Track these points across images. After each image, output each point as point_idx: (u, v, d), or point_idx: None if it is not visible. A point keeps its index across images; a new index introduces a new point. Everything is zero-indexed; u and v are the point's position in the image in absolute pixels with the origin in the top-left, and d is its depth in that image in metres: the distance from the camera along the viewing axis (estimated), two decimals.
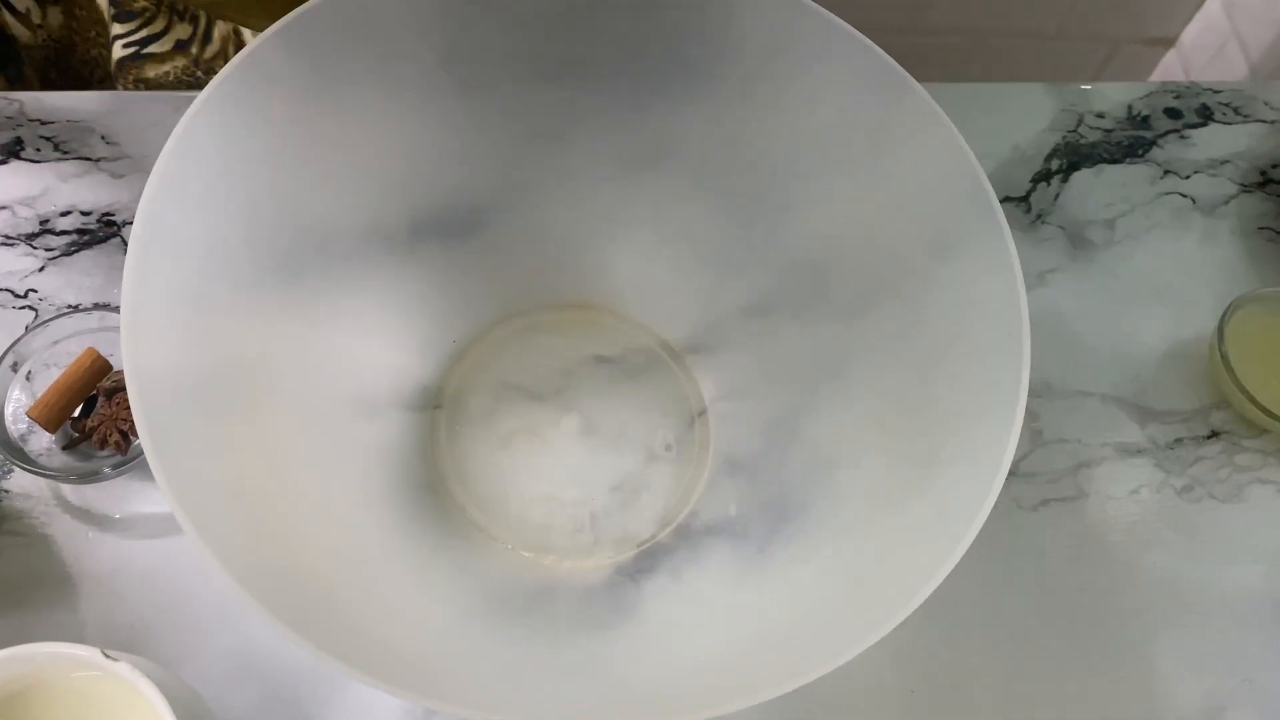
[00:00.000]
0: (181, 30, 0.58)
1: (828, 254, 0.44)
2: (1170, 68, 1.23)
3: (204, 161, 0.37)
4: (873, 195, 0.42)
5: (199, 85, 0.56)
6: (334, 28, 0.40)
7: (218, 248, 0.38)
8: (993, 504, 0.34)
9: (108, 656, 0.33)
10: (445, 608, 0.40)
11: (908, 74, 0.40)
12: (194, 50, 0.58)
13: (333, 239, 0.43)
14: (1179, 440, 0.51)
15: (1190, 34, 1.20)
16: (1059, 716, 0.44)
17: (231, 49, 0.57)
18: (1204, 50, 1.18)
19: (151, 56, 0.59)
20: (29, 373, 0.45)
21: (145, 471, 0.45)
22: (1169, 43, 1.22)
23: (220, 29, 0.58)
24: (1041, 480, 0.49)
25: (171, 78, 0.60)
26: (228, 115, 0.37)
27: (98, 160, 0.52)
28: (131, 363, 0.32)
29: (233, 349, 0.38)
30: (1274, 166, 0.59)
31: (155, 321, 0.34)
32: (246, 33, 0.58)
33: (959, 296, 0.40)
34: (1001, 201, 0.56)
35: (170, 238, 0.35)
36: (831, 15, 0.41)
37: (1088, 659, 0.45)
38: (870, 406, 0.43)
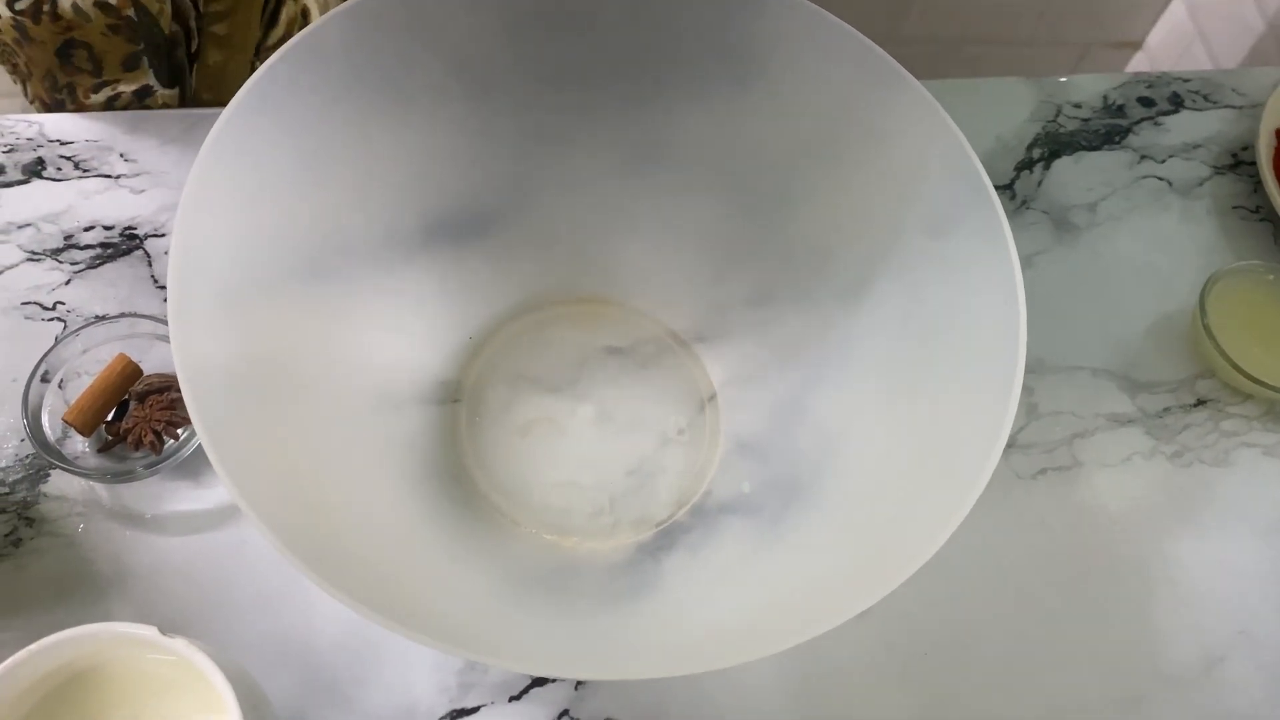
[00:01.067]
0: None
1: (827, 240, 0.47)
2: (1139, 69, 1.27)
3: (232, 173, 0.39)
4: (869, 182, 0.45)
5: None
6: (347, 42, 0.42)
7: (246, 253, 0.40)
8: (992, 470, 0.36)
9: (165, 635, 0.34)
10: (479, 585, 0.42)
11: (900, 66, 0.42)
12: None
13: (352, 242, 0.45)
14: (1167, 409, 0.53)
15: (1156, 36, 1.23)
16: (1064, 673, 0.46)
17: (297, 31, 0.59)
18: (1170, 51, 1.22)
19: (216, 38, 0.60)
20: (61, 380, 0.47)
21: (178, 471, 0.46)
22: (1136, 45, 1.25)
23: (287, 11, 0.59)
24: (1038, 451, 0.51)
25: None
26: (252, 128, 0.39)
27: (117, 177, 0.54)
28: (181, 359, 0.34)
29: (264, 347, 0.40)
30: (1244, 149, 0.62)
31: (198, 321, 0.36)
32: (314, 14, 0.59)
33: (956, 273, 0.42)
34: None
35: (206, 244, 0.37)
36: (825, 12, 0.43)
37: (1089, 618, 0.47)
38: (874, 383, 0.45)
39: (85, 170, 0.54)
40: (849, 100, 0.44)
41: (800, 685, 0.45)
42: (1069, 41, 1.24)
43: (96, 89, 0.58)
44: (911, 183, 0.43)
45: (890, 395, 0.44)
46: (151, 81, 0.58)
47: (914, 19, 1.15)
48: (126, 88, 0.58)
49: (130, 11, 0.54)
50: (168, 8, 0.55)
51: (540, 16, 0.45)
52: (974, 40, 1.21)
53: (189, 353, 0.34)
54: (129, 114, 0.56)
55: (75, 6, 0.53)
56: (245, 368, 0.38)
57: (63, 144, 0.54)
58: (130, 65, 0.57)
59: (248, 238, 0.40)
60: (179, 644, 0.34)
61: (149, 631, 0.34)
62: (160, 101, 0.60)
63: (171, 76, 0.59)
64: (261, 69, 0.39)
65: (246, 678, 0.36)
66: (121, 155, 0.54)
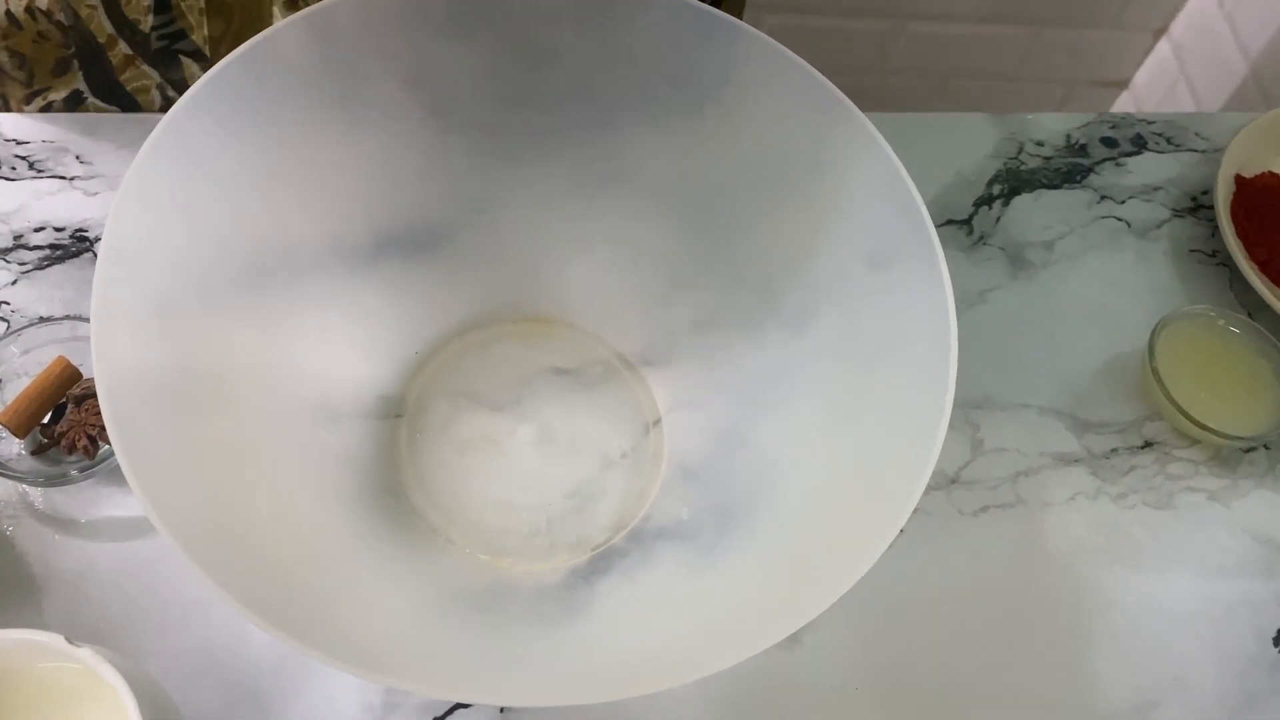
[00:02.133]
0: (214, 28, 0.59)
1: (773, 267, 0.47)
2: (1124, 108, 1.28)
3: (172, 174, 0.38)
4: (815, 212, 0.45)
5: None
6: (301, 50, 0.42)
7: (184, 257, 0.39)
8: (915, 502, 0.36)
9: (71, 644, 0.34)
10: (405, 604, 0.41)
11: (846, 99, 0.42)
12: (222, 51, 0.58)
13: (297, 252, 0.45)
14: (1114, 450, 0.53)
15: (1142, 76, 1.24)
16: (996, 713, 0.46)
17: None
18: (1154, 91, 1.23)
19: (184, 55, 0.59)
20: (0, 381, 0.47)
21: (111, 476, 0.46)
22: (1122, 84, 1.26)
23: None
24: (982, 488, 0.51)
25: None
26: (196, 131, 0.39)
27: (71, 179, 0.53)
28: (101, 364, 0.34)
29: (198, 355, 0.40)
30: (1204, 193, 0.62)
31: (123, 325, 0.36)
32: None
33: (894, 306, 0.42)
34: (945, 224, 0.59)
35: (138, 246, 0.37)
36: (777, 44, 0.43)
37: (1024, 657, 0.47)
38: (814, 412, 0.45)
39: (40, 171, 0.53)
40: (797, 131, 0.44)
41: (730, 712, 0.45)
42: (1054, 79, 1.25)
43: (29, 99, 0.58)
44: (854, 215, 0.43)
45: (827, 423, 0.44)
46: (82, 86, 0.58)
47: (900, 50, 1.16)
48: (57, 95, 0.58)
49: (60, 15, 0.54)
50: (100, 13, 0.55)
51: (498, 38, 0.45)
52: (960, 73, 1.22)
53: (109, 356, 0.34)
54: (87, 116, 0.56)
55: (8, 13, 0.53)
56: (173, 374, 0.38)
57: (19, 144, 0.54)
58: (60, 70, 0.57)
59: (185, 242, 0.40)
60: (85, 653, 0.34)
61: (54, 639, 0.33)
62: (92, 110, 0.59)
63: (110, 90, 0.59)
64: (210, 72, 0.39)
65: (155, 689, 0.36)
66: (77, 157, 0.54)
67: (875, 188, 0.42)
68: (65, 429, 0.46)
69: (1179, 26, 1.17)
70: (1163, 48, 1.20)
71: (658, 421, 0.50)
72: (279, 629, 0.31)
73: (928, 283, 0.40)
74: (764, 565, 0.41)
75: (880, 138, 0.42)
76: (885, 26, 1.13)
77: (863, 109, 0.42)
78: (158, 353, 0.37)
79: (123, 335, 0.35)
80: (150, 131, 0.37)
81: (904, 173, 0.41)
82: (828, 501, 0.41)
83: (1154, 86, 1.23)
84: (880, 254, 0.42)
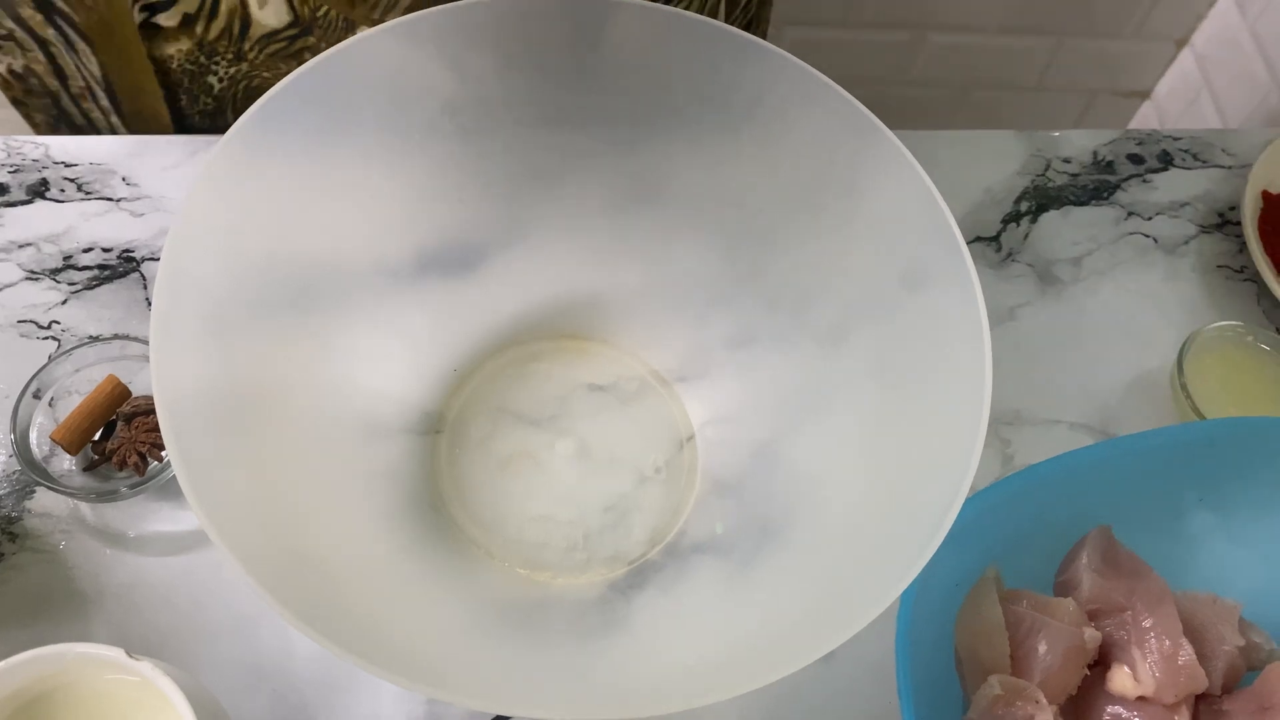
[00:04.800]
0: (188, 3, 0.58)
1: (808, 286, 0.47)
2: (1146, 119, 1.27)
3: (228, 197, 0.40)
4: (849, 232, 0.45)
5: (202, 72, 0.58)
6: (345, 77, 0.43)
7: (238, 280, 0.41)
8: (954, 518, 0.36)
9: (132, 657, 0.35)
10: (447, 617, 0.42)
11: (878, 120, 0.43)
12: (199, 29, 0.58)
13: (344, 272, 0.46)
14: None
15: (1164, 87, 1.24)
16: None
17: (237, 24, 0.57)
18: (1177, 102, 1.23)
19: (160, 30, 0.58)
20: (52, 399, 0.48)
21: (160, 492, 0.47)
22: (1144, 95, 1.26)
23: (227, 2, 0.57)
24: None
25: (175, 64, 0.60)
26: (248, 156, 0.40)
27: (118, 200, 0.55)
28: (160, 383, 0.35)
29: (250, 373, 0.41)
30: (1231, 209, 0.63)
31: (181, 345, 0.37)
32: (253, 4, 0.57)
33: (929, 325, 0.42)
34: (974, 241, 0.59)
35: (195, 267, 0.38)
36: (808, 66, 0.44)
37: None
38: (848, 429, 0.45)
39: (88, 192, 0.55)
40: (831, 152, 0.45)
41: None
42: (1076, 89, 1.25)
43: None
44: (888, 235, 0.44)
45: (862, 439, 0.45)
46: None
47: (921, 62, 1.17)
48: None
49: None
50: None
51: (536, 60, 0.46)
52: (981, 85, 1.22)
53: (168, 375, 0.35)
54: (134, 138, 0.57)
55: None
56: (227, 392, 0.39)
57: (67, 166, 0.56)
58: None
59: (239, 262, 0.41)
60: (145, 666, 0.35)
61: (115, 653, 0.35)
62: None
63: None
64: (263, 98, 0.41)
65: (212, 702, 0.37)
66: (124, 179, 0.55)
67: (908, 208, 0.43)
68: (116, 445, 0.47)
69: (1201, 38, 1.17)
70: (1185, 58, 1.20)
71: (691, 437, 0.51)
72: (332, 641, 0.32)
73: (961, 302, 0.40)
74: (801, 581, 0.42)
75: (912, 159, 0.42)
76: (906, 38, 1.14)
77: (884, 121, 0.43)
78: (213, 371, 0.38)
79: (180, 354, 0.36)
80: (194, 154, 0.39)
81: (937, 194, 0.42)
82: (864, 518, 0.42)
83: (1176, 98, 1.23)
84: (914, 273, 0.43)
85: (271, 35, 0.58)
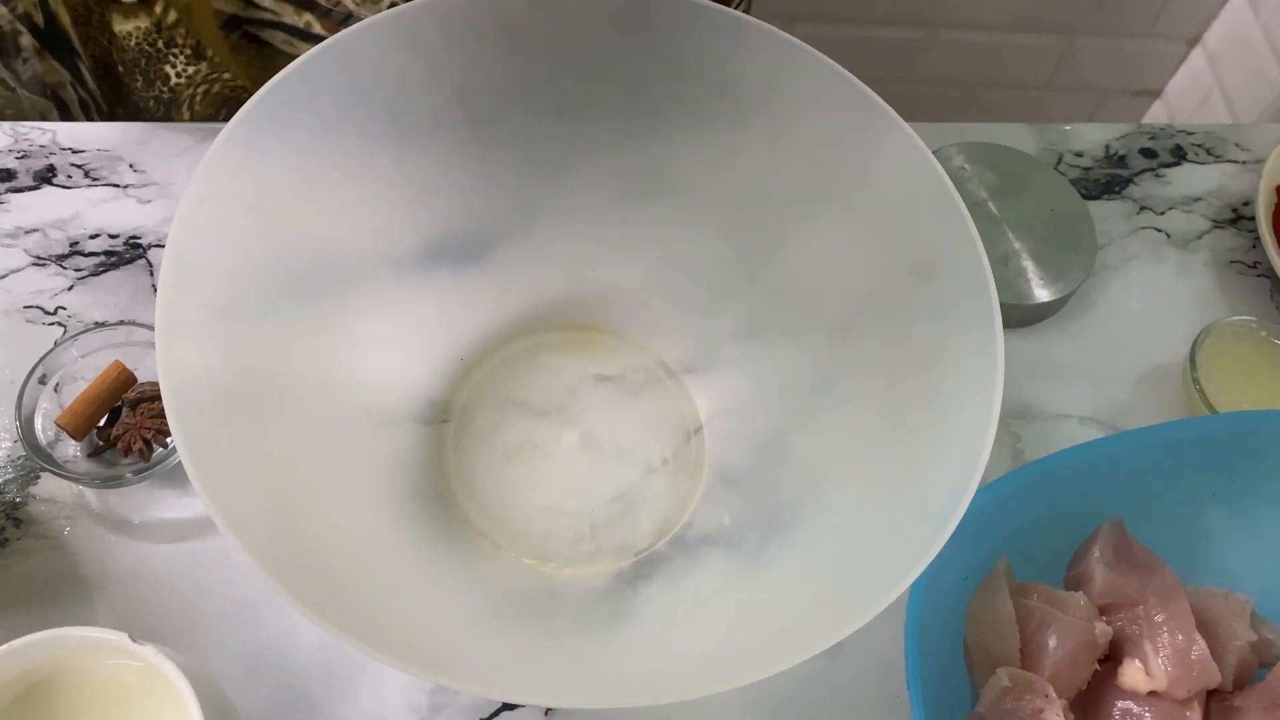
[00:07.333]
0: None
1: (817, 277, 0.47)
2: (1157, 117, 1.27)
3: (233, 184, 0.39)
4: (859, 221, 0.45)
5: (156, 59, 0.57)
6: (352, 65, 0.43)
7: (243, 267, 0.40)
8: (963, 512, 0.36)
9: (135, 642, 0.35)
10: (454, 606, 0.42)
11: (891, 110, 0.43)
12: (157, 10, 0.56)
13: (349, 261, 0.46)
14: None
15: (1176, 85, 1.24)
16: None
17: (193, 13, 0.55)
18: (1188, 101, 1.22)
19: (118, 4, 0.56)
20: (57, 384, 0.48)
21: (165, 479, 0.47)
22: (1156, 93, 1.26)
23: None
24: None
25: (133, 42, 0.57)
26: (254, 144, 0.40)
27: (125, 187, 0.55)
28: (165, 369, 0.34)
29: (256, 361, 0.40)
30: (1244, 204, 0.62)
31: (187, 332, 0.36)
32: None
33: (940, 314, 0.42)
34: None
35: (201, 255, 0.38)
36: (819, 54, 0.44)
37: None
38: (857, 421, 0.45)
39: (95, 179, 0.55)
40: (842, 142, 0.44)
41: (770, 718, 0.45)
42: (1087, 88, 1.25)
43: None
44: (900, 224, 0.43)
45: (872, 433, 0.44)
46: None
47: (932, 59, 1.16)
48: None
49: None
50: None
51: (543, 48, 0.45)
52: (993, 83, 1.22)
53: (174, 361, 0.35)
54: (141, 125, 0.57)
55: None
56: (233, 379, 0.38)
57: (75, 152, 0.55)
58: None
59: (245, 250, 0.40)
60: (148, 651, 0.34)
61: (119, 637, 0.34)
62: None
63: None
64: (268, 85, 0.40)
65: (214, 688, 0.37)
66: (131, 165, 0.55)
67: (920, 197, 0.42)
68: (121, 432, 0.47)
69: (1213, 36, 1.17)
70: (1196, 57, 1.20)
71: (699, 429, 0.51)
72: (341, 630, 0.31)
73: (973, 293, 0.40)
74: (808, 573, 0.41)
75: (925, 149, 0.42)
76: (917, 36, 1.13)
77: None
78: (219, 359, 0.38)
79: (186, 342, 0.36)
80: (201, 141, 0.38)
81: (949, 183, 0.41)
82: (872, 510, 0.41)
83: (1188, 96, 1.22)
84: (925, 264, 0.42)
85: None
